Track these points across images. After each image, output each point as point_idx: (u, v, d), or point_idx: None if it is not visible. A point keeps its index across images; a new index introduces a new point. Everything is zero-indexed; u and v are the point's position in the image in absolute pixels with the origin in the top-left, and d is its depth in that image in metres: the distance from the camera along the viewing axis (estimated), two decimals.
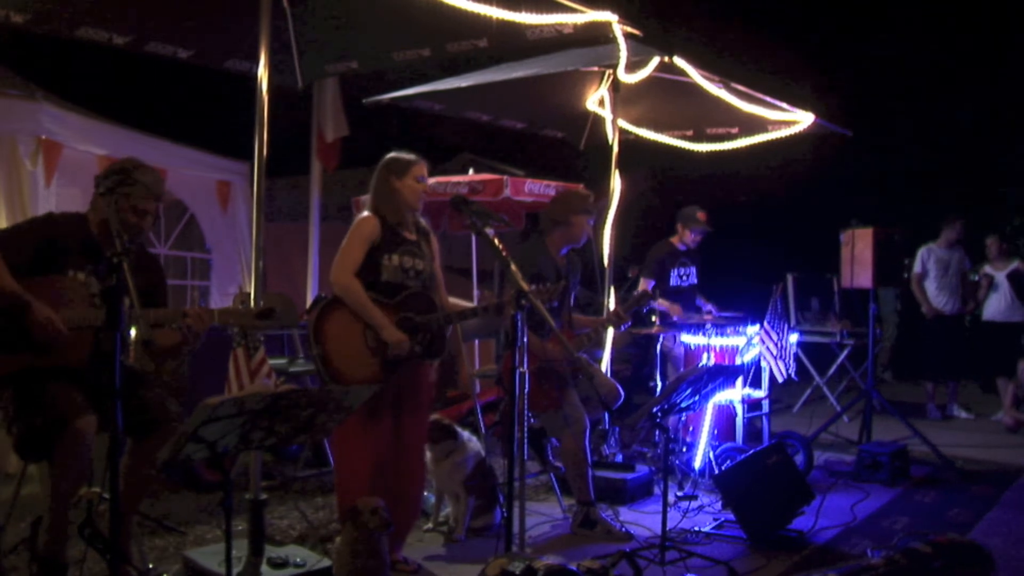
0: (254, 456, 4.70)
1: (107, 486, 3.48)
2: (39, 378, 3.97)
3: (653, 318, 7.33)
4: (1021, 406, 9.56)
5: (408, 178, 4.77)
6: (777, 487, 5.60)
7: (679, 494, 6.26)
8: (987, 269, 9.98)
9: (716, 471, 6.28)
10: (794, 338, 7.22)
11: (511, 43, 5.15)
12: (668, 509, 5.06)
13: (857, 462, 7.04)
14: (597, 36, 5.40)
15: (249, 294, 4.44)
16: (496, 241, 4.31)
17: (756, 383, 7.04)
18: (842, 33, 16.79)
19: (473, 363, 8.98)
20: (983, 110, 15.62)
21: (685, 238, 7.69)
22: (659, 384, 7.22)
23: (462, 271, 9.95)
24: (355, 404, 3.73)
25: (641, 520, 5.82)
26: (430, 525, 5.58)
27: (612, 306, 7.13)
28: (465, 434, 5.53)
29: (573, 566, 3.76)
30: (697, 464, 6.60)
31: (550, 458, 6.35)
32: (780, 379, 6.91)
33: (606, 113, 7.52)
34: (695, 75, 6.60)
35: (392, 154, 4.87)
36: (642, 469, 6.59)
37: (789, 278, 11.37)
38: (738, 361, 6.82)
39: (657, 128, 8.24)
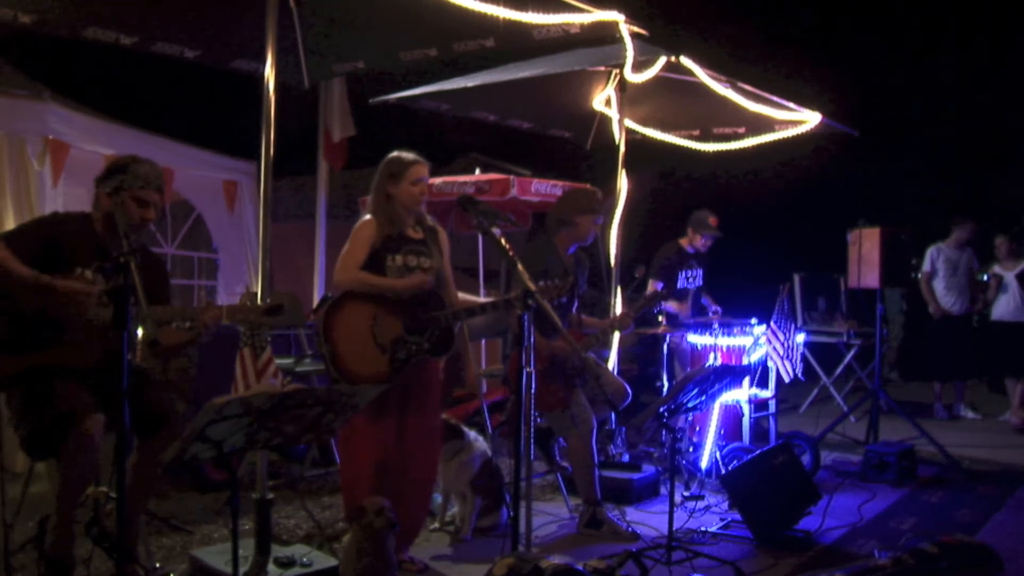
0: (261, 455, 4.71)
1: (114, 485, 3.49)
2: (47, 377, 3.98)
3: (660, 318, 7.32)
4: None
5: (404, 182, 4.75)
6: (784, 487, 5.59)
7: (686, 494, 6.25)
8: (996, 269, 9.93)
9: (723, 471, 6.28)
10: (801, 338, 7.21)
11: (518, 43, 5.15)
12: (675, 509, 5.05)
13: (864, 462, 7.03)
14: (604, 36, 5.38)
15: (256, 294, 4.45)
16: (503, 241, 4.31)
17: (763, 383, 7.03)
18: (848, 32, 16.75)
19: (480, 363, 8.98)
20: (990, 109, 15.57)
21: (695, 242, 7.68)
22: (666, 384, 7.21)
23: (469, 271, 9.95)
24: (362, 403, 3.73)
25: (648, 520, 5.81)
26: (437, 525, 5.58)
27: (619, 305, 7.14)
28: (472, 434, 5.53)
29: (580, 566, 3.76)
30: (704, 464, 6.60)
31: (557, 458, 6.36)
32: (787, 379, 6.90)
33: (613, 113, 7.52)
34: (702, 75, 6.59)
35: (391, 155, 4.85)
36: (648, 469, 6.59)
37: (796, 278, 11.36)
38: (745, 361, 6.81)
39: (664, 128, 8.24)
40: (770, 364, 6.86)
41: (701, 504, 6.09)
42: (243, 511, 4.21)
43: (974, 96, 15.79)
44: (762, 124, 7.92)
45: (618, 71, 7.16)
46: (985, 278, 10.14)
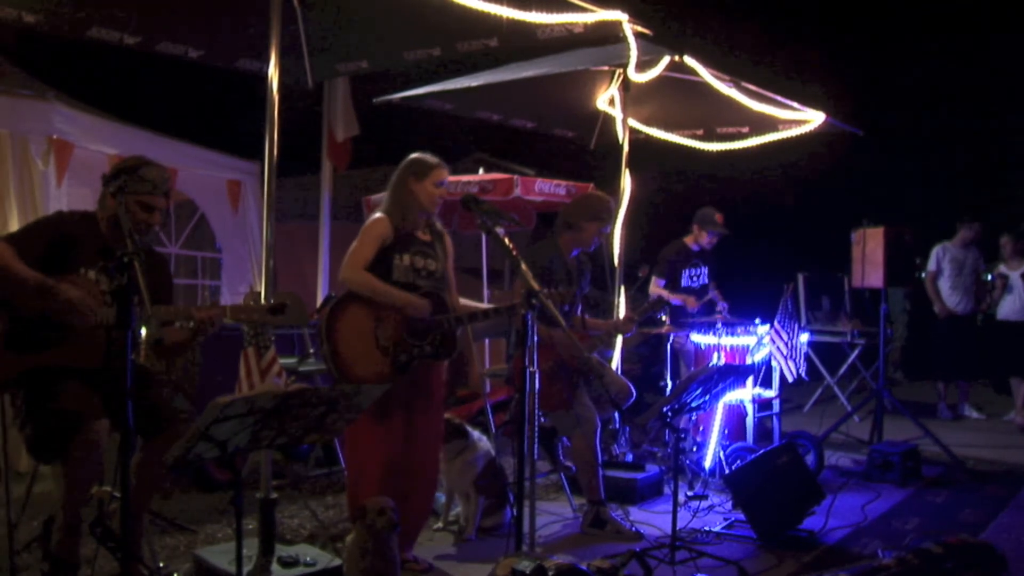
0: (264, 455, 4.71)
1: (118, 485, 3.49)
2: (51, 378, 3.98)
3: (663, 318, 7.32)
4: None
5: (427, 182, 4.76)
6: (788, 487, 5.59)
7: (689, 494, 6.25)
8: (1002, 269, 9.90)
9: (726, 471, 6.27)
10: (805, 338, 7.21)
11: (521, 42, 5.15)
12: (678, 509, 5.05)
13: (868, 462, 7.02)
14: (607, 35, 5.39)
15: (259, 293, 4.45)
16: (507, 240, 4.31)
17: (767, 383, 7.03)
18: (852, 32, 16.73)
19: (483, 362, 8.98)
20: (995, 109, 15.55)
21: (701, 239, 7.67)
22: (669, 383, 7.21)
23: (472, 271, 9.95)
24: (366, 403, 3.73)
25: (651, 520, 5.81)
26: (440, 524, 5.59)
27: (622, 305, 7.13)
28: (475, 433, 5.53)
29: (583, 565, 3.76)
30: (707, 464, 6.60)
31: (560, 457, 6.36)
32: (791, 379, 6.90)
33: (616, 112, 7.52)
34: (705, 74, 6.59)
35: (416, 155, 4.86)
36: (652, 469, 6.58)
37: (800, 277, 11.34)
38: (749, 361, 6.81)
39: (667, 127, 8.24)
40: (774, 364, 6.85)
41: (705, 504, 6.08)
42: (247, 511, 4.21)
43: (979, 95, 15.77)
44: (766, 124, 7.92)
45: (622, 71, 7.16)
46: (989, 278, 10.12)
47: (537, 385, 4.20)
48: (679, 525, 5.09)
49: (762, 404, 6.98)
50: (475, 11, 4.70)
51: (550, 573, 3.56)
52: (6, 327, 3.97)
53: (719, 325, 6.96)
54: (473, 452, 5.41)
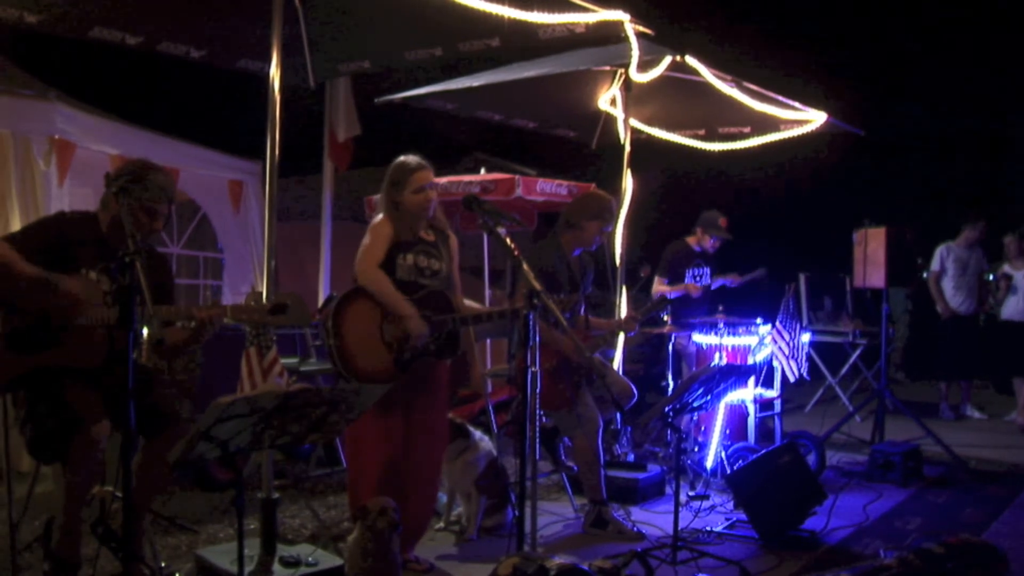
0: (266, 455, 4.71)
1: (120, 485, 3.49)
2: (53, 379, 3.98)
3: (665, 317, 7.31)
4: None
5: (407, 191, 4.72)
6: (789, 487, 5.59)
7: (691, 494, 6.25)
8: (1006, 269, 9.86)
9: (728, 471, 6.27)
10: (806, 338, 7.20)
11: (523, 42, 5.14)
12: (680, 509, 5.06)
13: (870, 462, 7.02)
14: (609, 35, 5.39)
15: (261, 293, 4.45)
16: (508, 240, 4.31)
17: (768, 383, 7.02)
18: (854, 31, 16.72)
19: (485, 362, 8.98)
20: (997, 108, 15.54)
21: (704, 242, 7.66)
22: (671, 384, 7.21)
23: (474, 270, 9.95)
24: (367, 404, 3.73)
25: (653, 520, 5.81)
26: (442, 524, 5.59)
27: (624, 305, 7.13)
28: (477, 433, 5.53)
29: (585, 565, 3.76)
30: (709, 464, 6.60)
31: (562, 457, 6.36)
32: (792, 379, 6.90)
33: (618, 112, 7.52)
34: (707, 74, 6.59)
35: (396, 161, 4.81)
36: (654, 469, 6.59)
37: (801, 278, 11.34)
38: (750, 361, 6.80)
39: (669, 127, 8.24)
40: (775, 364, 6.85)
41: (706, 504, 6.08)
42: (248, 511, 4.22)
43: (982, 95, 15.75)
44: (768, 123, 7.91)
45: (623, 71, 7.16)
46: (991, 278, 10.11)
47: (539, 385, 4.20)
48: (681, 525, 5.10)
49: (764, 404, 6.98)
50: (476, 11, 4.69)
51: (552, 573, 3.56)
52: (7, 328, 3.98)
53: (720, 325, 6.95)
54: (475, 452, 5.41)
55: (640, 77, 6.65)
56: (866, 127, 8.25)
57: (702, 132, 8.35)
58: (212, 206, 9.10)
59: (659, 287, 7.62)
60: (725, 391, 5.66)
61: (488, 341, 8.97)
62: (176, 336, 4.17)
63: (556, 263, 5.62)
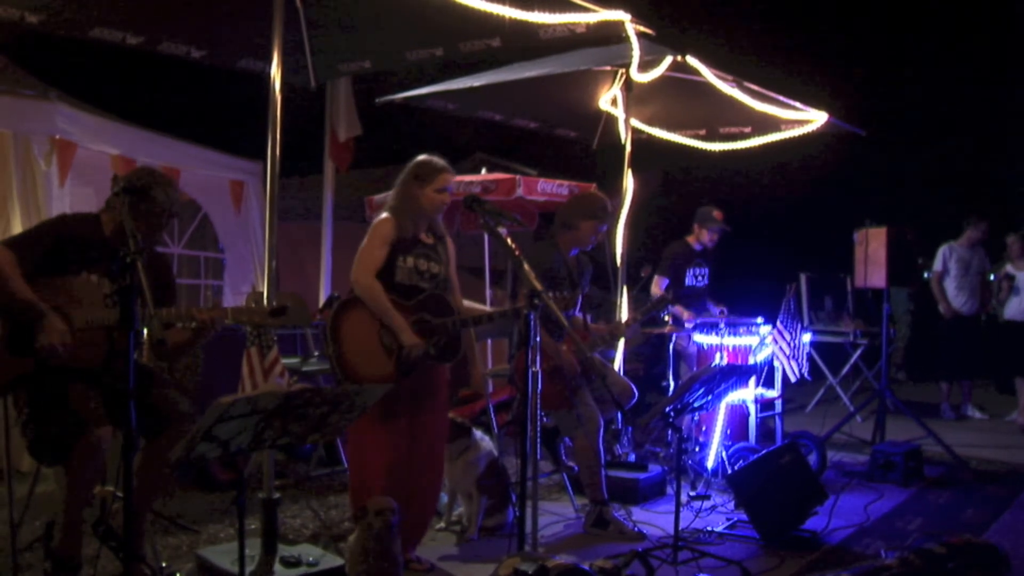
0: (267, 455, 4.71)
1: (120, 485, 3.50)
2: (54, 380, 3.98)
3: (666, 318, 7.31)
4: None
5: (430, 187, 4.74)
6: (790, 487, 5.59)
7: (692, 494, 6.25)
8: (1008, 269, 9.85)
9: (729, 471, 6.27)
10: (807, 338, 7.20)
11: (524, 42, 5.15)
12: (681, 509, 5.05)
13: (871, 462, 7.01)
14: (610, 35, 5.39)
15: (262, 293, 4.45)
16: (509, 240, 4.31)
17: (769, 383, 7.02)
18: (855, 31, 16.73)
19: (486, 362, 8.98)
20: (999, 108, 15.54)
21: (702, 237, 7.67)
22: (672, 384, 7.21)
23: (475, 271, 9.96)
24: (368, 403, 3.73)
25: (654, 520, 5.81)
26: (443, 524, 5.59)
27: (625, 305, 7.13)
28: (478, 433, 5.53)
29: (586, 566, 3.76)
30: (710, 464, 6.59)
31: (563, 457, 6.36)
32: (793, 379, 6.89)
33: (619, 112, 7.51)
34: (708, 74, 6.59)
35: (422, 157, 4.83)
36: (655, 469, 6.58)
37: (802, 278, 11.34)
38: (751, 361, 6.80)
39: (670, 127, 8.23)
40: (776, 364, 6.85)
41: (707, 504, 6.08)
42: (249, 511, 4.22)
43: (982, 94, 15.76)
44: (768, 124, 7.91)
45: (624, 71, 7.15)
46: (992, 278, 10.11)
47: (539, 385, 4.20)
48: (681, 525, 5.09)
49: (764, 404, 6.98)
50: (477, 11, 4.69)
51: (552, 573, 3.56)
52: (7, 329, 3.98)
53: (721, 325, 6.95)
54: (475, 452, 5.41)
55: (641, 77, 6.65)
56: (867, 127, 8.24)
57: (703, 132, 8.35)
58: (213, 206, 9.11)
59: (658, 289, 7.61)
60: (726, 391, 5.66)
61: (489, 341, 8.97)
62: (177, 337, 4.17)
63: (554, 263, 5.62)
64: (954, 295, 9.98)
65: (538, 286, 4.12)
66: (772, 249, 13.46)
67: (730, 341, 6.87)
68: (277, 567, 4.44)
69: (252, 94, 5.87)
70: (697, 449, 6.70)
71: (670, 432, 6.19)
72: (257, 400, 3.28)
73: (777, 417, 7.24)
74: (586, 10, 4.89)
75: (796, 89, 7.53)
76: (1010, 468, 7.57)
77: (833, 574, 4.51)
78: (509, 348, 6.25)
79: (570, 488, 6.21)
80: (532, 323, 4.12)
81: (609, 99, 7.74)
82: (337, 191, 7.93)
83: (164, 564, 4.59)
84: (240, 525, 3.54)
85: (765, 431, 7.12)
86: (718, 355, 6.84)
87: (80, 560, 4.06)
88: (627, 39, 5.58)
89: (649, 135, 8.17)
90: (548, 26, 4.87)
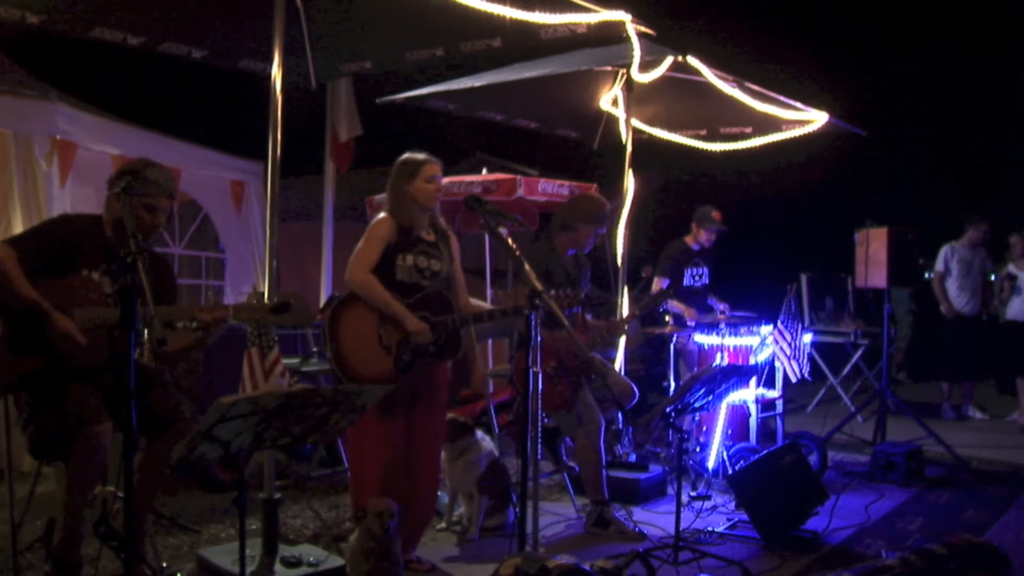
0: (268, 455, 4.71)
1: (121, 485, 3.50)
2: (55, 379, 3.98)
3: (667, 318, 7.31)
4: None
5: (418, 180, 4.75)
6: (791, 487, 5.59)
7: (693, 494, 6.24)
8: (1011, 269, 9.84)
9: (730, 471, 6.27)
10: (808, 338, 7.20)
11: (525, 43, 5.14)
12: (681, 509, 5.05)
13: (871, 462, 7.01)
14: (611, 35, 5.39)
15: (263, 293, 4.45)
16: (510, 241, 4.31)
17: (770, 383, 7.02)
18: (856, 32, 16.73)
19: (486, 363, 8.98)
20: (999, 107, 15.54)
21: (700, 237, 7.67)
22: (672, 384, 7.21)
23: (475, 271, 9.95)
24: (368, 404, 3.73)
25: (654, 520, 5.81)
26: (443, 525, 5.59)
27: (626, 306, 7.13)
28: (479, 433, 5.53)
29: (587, 566, 3.75)
30: (711, 464, 6.59)
31: (564, 458, 6.35)
32: (794, 379, 6.89)
33: (620, 113, 7.51)
34: (709, 75, 6.59)
35: (403, 156, 4.85)
36: (655, 469, 6.59)
37: (803, 278, 11.34)
38: (752, 361, 6.80)
39: (671, 128, 8.23)
40: (777, 364, 6.84)
41: (708, 504, 6.08)
42: (250, 511, 4.22)
43: (983, 94, 15.75)
44: (769, 124, 7.91)
45: (625, 71, 7.15)
46: (993, 278, 10.10)
47: (540, 385, 4.19)
48: (682, 525, 5.10)
49: (765, 404, 6.97)
50: (478, 11, 4.69)
51: (553, 573, 3.56)
52: (8, 329, 3.98)
53: (722, 325, 6.95)
54: (476, 452, 5.41)
55: (642, 77, 6.65)
56: (868, 127, 8.24)
57: (704, 132, 8.35)
58: (214, 206, 9.11)
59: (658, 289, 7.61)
60: (727, 391, 5.66)
61: (489, 341, 8.96)
62: (180, 342, 4.17)
63: (551, 263, 5.62)
64: (955, 295, 9.98)
65: (539, 286, 4.13)
66: (773, 249, 13.46)
67: (731, 341, 6.87)
68: (278, 567, 4.44)
69: (253, 94, 5.88)
70: (698, 449, 6.70)
71: (671, 432, 6.19)
72: (258, 400, 3.28)
73: (778, 417, 7.24)
74: (587, 10, 4.88)
75: (797, 89, 7.53)
76: (1011, 468, 7.57)
77: (834, 574, 4.51)
78: (510, 348, 6.25)
79: (571, 488, 6.21)
80: (533, 323, 4.12)
81: (610, 99, 7.74)
82: (338, 191, 7.92)
83: (165, 564, 4.60)
84: (241, 525, 3.54)
85: (766, 431, 7.12)
86: (719, 355, 6.84)
87: (81, 560, 4.06)
88: (628, 39, 5.59)
89: (650, 135, 8.17)
90: (549, 26, 4.87)
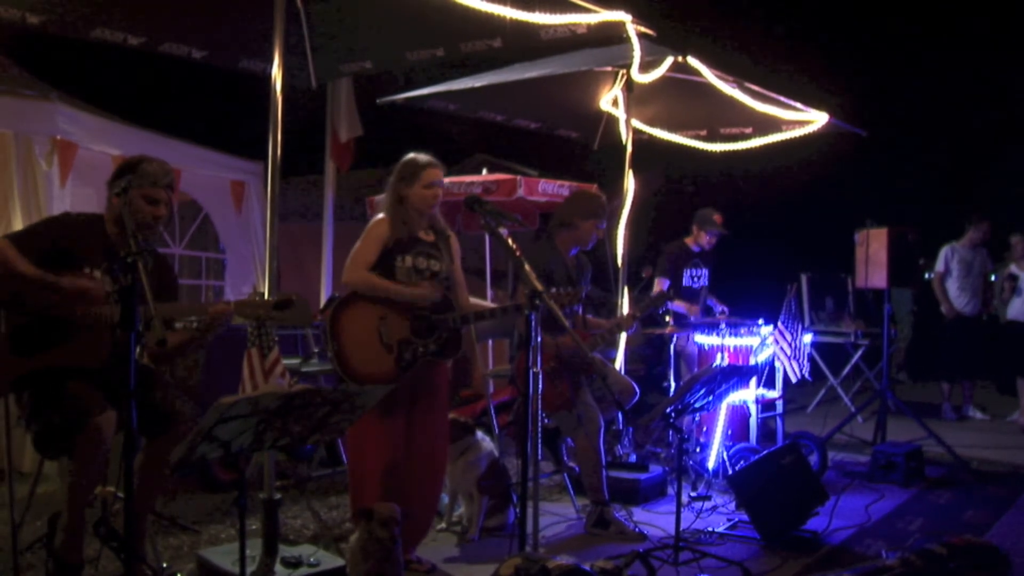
0: (268, 455, 4.71)
1: (121, 485, 3.50)
2: (57, 377, 3.98)
3: (667, 318, 7.31)
4: None
5: (417, 185, 4.75)
6: (791, 488, 5.59)
7: (693, 494, 6.24)
8: (1012, 269, 9.83)
9: (730, 471, 6.27)
10: (808, 338, 7.20)
11: (525, 43, 5.14)
12: (682, 509, 5.05)
13: (871, 463, 7.01)
14: (611, 36, 5.39)
15: (263, 293, 4.44)
16: (510, 241, 4.31)
17: (770, 383, 7.02)
18: (856, 31, 16.73)
19: (487, 363, 8.98)
20: (1000, 108, 15.53)
21: (700, 240, 7.67)
22: (672, 384, 7.21)
23: (476, 271, 9.95)
24: (369, 404, 3.73)
25: (655, 520, 5.81)
26: (443, 525, 5.59)
27: (626, 306, 7.13)
28: (479, 434, 5.53)
29: (587, 566, 3.76)
30: (711, 464, 6.59)
31: (564, 458, 6.35)
32: (794, 379, 6.89)
33: (620, 113, 7.51)
34: (709, 75, 6.59)
35: (406, 157, 4.85)
36: (656, 469, 6.59)
37: (803, 278, 11.34)
38: (752, 361, 6.80)
39: (671, 128, 8.23)
40: (777, 364, 6.85)
41: (708, 504, 6.08)
42: (250, 511, 4.22)
43: (983, 94, 15.75)
44: (769, 124, 7.91)
45: (625, 71, 7.15)
46: (994, 279, 10.10)
47: (540, 386, 4.19)
48: (682, 526, 5.10)
49: (766, 405, 6.98)
50: (478, 12, 4.69)
51: (553, 574, 3.56)
52: (9, 329, 3.98)
53: (722, 326, 6.95)
54: (476, 452, 5.41)
55: (642, 78, 6.65)
56: (868, 127, 8.24)
57: (704, 133, 8.35)
58: (214, 206, 9.11)
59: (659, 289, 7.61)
60: (727, 392, 5.66)
61: (489, 342, 8.96)
62: (179, 338, 4.17)
63: (553, 265, 5.62)
64: (956, 296, 9.97)
65: (539, 286, 4.13)
66: (772, 249, 13.46)
67: (731, 341, 6.87)
68: (278, 568, 4.44)
69: (253, 95, 5.87)
70: (698, 450, 6.70)
71: (671, 433, 6.19)
72: (258, 401, 3.28)
73: (778, 418, 7.24)
74: (587, 11, 4.88)
75: (797, 89, 7.53)
76: (1011, 469, 7.57)
77: (834, 575, 4.51)
78: (510, 349, 6.25)
79: (571, 489, 6.21)
80: (533, 323, 4.12)
81: (610, 100, 7.74)
82: (338, 191, 7.93)
83: (165, 564, 4.59)
84: (241, 526, 3.54)
85: (766, 432, 7.12)
86: (719, 356, 6.84)
87: (82, 560, 4.06)
88: (628, 40, 5.58)
89: (650, 136, 8.17)
90: (549, 27, 4.87)
